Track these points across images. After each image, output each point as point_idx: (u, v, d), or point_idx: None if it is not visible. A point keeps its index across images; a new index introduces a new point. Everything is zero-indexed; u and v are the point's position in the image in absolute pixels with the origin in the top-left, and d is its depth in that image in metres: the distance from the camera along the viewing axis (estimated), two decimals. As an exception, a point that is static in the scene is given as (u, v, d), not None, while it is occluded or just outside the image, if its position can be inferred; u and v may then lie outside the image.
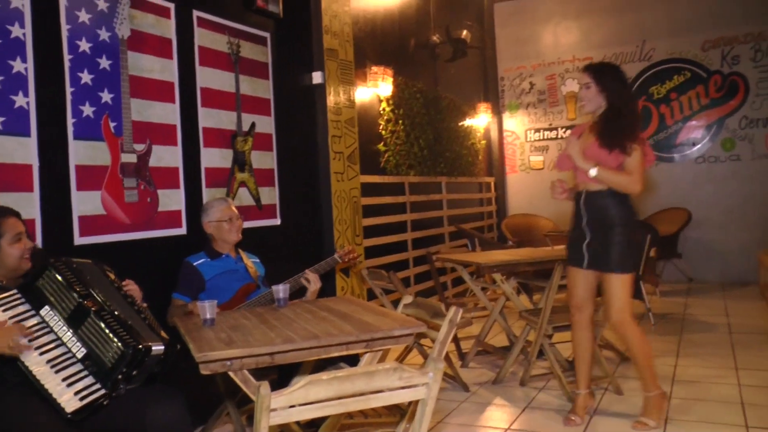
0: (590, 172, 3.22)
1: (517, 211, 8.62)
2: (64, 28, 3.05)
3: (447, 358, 4.20)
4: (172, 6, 3.63)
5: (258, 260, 3.71)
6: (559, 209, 8.27)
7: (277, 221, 4.48)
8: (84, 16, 3.14)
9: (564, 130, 8.48)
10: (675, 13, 7.98)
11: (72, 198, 3.05)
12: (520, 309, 4.30)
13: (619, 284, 3.27)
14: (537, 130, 8.67)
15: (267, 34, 4.44)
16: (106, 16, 3.25)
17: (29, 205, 2.86)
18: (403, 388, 1.83)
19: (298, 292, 3.59)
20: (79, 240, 3.07)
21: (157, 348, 2.31)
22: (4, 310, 2.24)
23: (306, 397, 1.71)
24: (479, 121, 8.15)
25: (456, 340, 4.89)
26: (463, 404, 3.89)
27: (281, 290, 2.91)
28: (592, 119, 3.38)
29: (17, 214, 2.47)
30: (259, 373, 2.66)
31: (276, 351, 2.18)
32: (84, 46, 3.13)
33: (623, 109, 3.23)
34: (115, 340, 2.20)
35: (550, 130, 8.59)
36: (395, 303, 4.35)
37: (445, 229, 7.11)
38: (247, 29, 4.24)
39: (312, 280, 3.53)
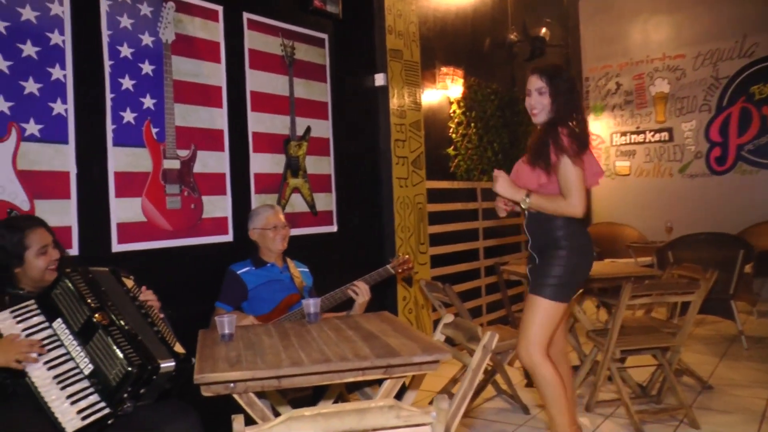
0: (522, 202, 2.85)
1: (601, 219, 8.15)
2: (105, 33, 3.03)
3: (507, 377, 3.94)
4: (220, 9, 3.57)
5: (307, 270, 3.59)
6: (647, 218, 7.77)
7: (334, 228, 4.36)
8: (126, 22, 3.11)
9: (653, 133, 7.94)
10: (782, 5, 7.31)
11: (110, 205, 3.03)
12: (588, 328, 3.98)
13: (535, 310, 2.82)
14: (623, 134, 8.16)
15: (325, 36, 4.32)
16: (149, 21, 3.22)
17: (66, 212, 2.85)
18: (402, 427, 1.64)
19: (346, 303, 3.45)
20: (117, 247, 3.04)
21: (167, 365, 2.22)
22: (19, 321, 2.20)
23: (288, 434, 1.56)
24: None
25: (522, 356, 4.60)
26: (520, 428, 3.63)
27: (312, 305, 2.77)
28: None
29: (45, 224, 2.45)
30: (293, 389, 2.53)
31: (282, 375, 2.04)
32: (125, 51, 3.11)
33: (566, 120, 2.81)
34: (121, 357, 2.12)
35: (638, 133, 8.05)
36: (456, 317, 4.16)
37: (521, 237, 6.79)
38: (302, 31, 4.14)
39: (360, 292, 3.38)
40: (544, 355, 2.80)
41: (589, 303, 5.87)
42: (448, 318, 2.73)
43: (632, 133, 8.09)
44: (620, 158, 8.19)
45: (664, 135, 7.89)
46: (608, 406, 3.82)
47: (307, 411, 1.56)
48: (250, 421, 2.10)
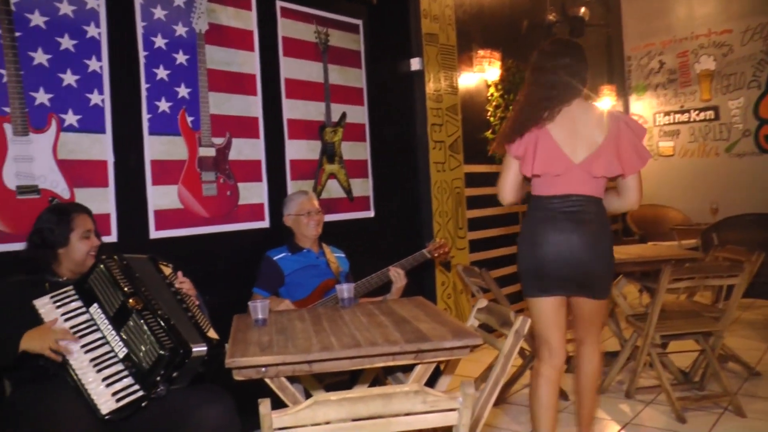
0: None
1: (644, 201, 7.91)
2: (140, 25, 3.08)
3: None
4: (253, -3, 3.59)
5: (343, 255, 3.61)
6: (692, 200, 7.57)
7: (371, 213, 4.36)
8: (159, 13, 3.15)
9: (697, 112, 7.71)
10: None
11: (147, 192, 3.08)
12: (626, 313, 3.91)
13: None
14: (667, 113, 7.94)
15: (359, 22, 4.31)
16: (182, 12, 3.25)
17: (104, 200, 2.91)
18: (428, 412, 1.64)
19: (383, 289, 3.46)
20: (154, 234, 3.10)
21: (199, 349, 2.25)
22: (58, 306, 2.26)
23: (313, 417, 1.57)
24: (602, 104, 7.60)
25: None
26: (559, 414, 3.59)
27: (345, 290, 2.78)
28: None
29: (89, 212, 2.53)
30: (331, 373, 2.55)
31: (312, 359, 2.05)
32: (159, 42, 3.15)
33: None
34: (154, 341, 2.16)
35: (682, 112, 7.82)
36: (493, 302, 4.14)
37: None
38: (336, 17, 4.13)
39: (396, 277, 3.39)
40: (541, 357, 2.75)
41: (632, 287, 5.75)
42: (482, 303, 2.71)
43: (676, 112, 7.87)
44: (663, 138, 7.99)
45: (710, 114, 7.65)
46: (649, 393, 3.75)
47: (332, 395, 1.57)
48: (283, 405, 2.13)
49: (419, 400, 1.61)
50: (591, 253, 2.61)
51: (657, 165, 8.00)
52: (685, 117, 7.80)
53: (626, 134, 2.60)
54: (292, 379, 2.17)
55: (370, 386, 2.76)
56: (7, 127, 2.61)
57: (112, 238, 2.93)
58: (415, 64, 4.70)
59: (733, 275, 3.43)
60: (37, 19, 2.71)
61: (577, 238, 2.60)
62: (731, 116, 7.51)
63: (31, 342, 2.11)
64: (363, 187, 4.30)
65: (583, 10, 6.59)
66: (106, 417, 2.07)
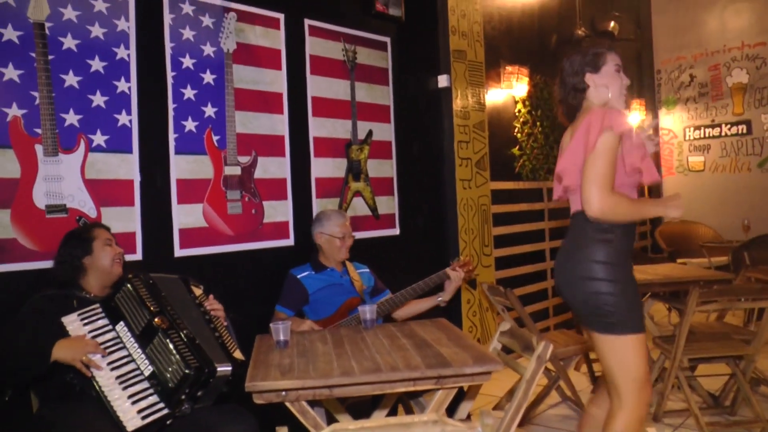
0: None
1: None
2: (168, 46, 3.13)
3: (570, 383, 3.86)
4: (281, 16, 3.62)
5: (367, 270, 3.60)
6: (723, 216, 7.43)
7: (396, 231, 4.36)
8: (188, 33, 3.20)
9: (729, 126, 7.58)
10: None
11: (173, 211, 3.12)
12: (653, 334, 3.85)
13: None
14: (697, 128, 7.82)
15: (387, 39, 4.32)
16: (211, 32, 3.29)
17: (130, 219, 2.95)
18: (446, 442, 1.63)
19: (434, 290, 3.46)
20: (179, 252, 3.13)
21: (223, 369, 2.27)
22: (85, 324, 2.30)
23: (331, 446, 1.57)
24: (632, 119, 7.51)
25: (588, 361, 4.50)
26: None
27: (368, 311, 2.79)
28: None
29: (106, 227, 2.62)
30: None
31: (333, 384, 2.06)
32: (187, 62, 3.19)
33: None
34: (179, 359, 2.19)
35: (713, 127, 7.69)
36: (518, 321, 4.11)
37: (591, 236, 6.61)
38: (364, 35, 4.15)
39: (453, 277, 3.41)
40: None
41: (660, 305, 5.66)
42: (505, 326, 2.69)
43: (707, 126, 7.75)
44: (693, 153, 7.86)
45: (742, 128, 7.52)
46: (677, 416, 3.68)
47: (351, 425, 1.56)
48: (304, 428, 2.13)
49: (438, 430, 1.59)
50: (559, 276, 2.39)
51: (687, 180, 7.88)
52: (716, 131, 7.68)
53: (581, 131, 2.29)
54: (315, 402, 2.18)
55: (392, 407, 2.75)
56: (38, 148, 2.67)
57: (137, 256, 2.97)
58: (442, 81, 4.70)
59: (765, 298, 3.35)
60: (69, 42, 2.77)
61: (557, 258, 2.44)
62: (764, 130, 7.37)
63: (63, 351, 2.16)
64: (389, 204, 4.30)
65: (612, 24, 6.54)
66: None
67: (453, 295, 3.45)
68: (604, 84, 2.40)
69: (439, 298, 3.45)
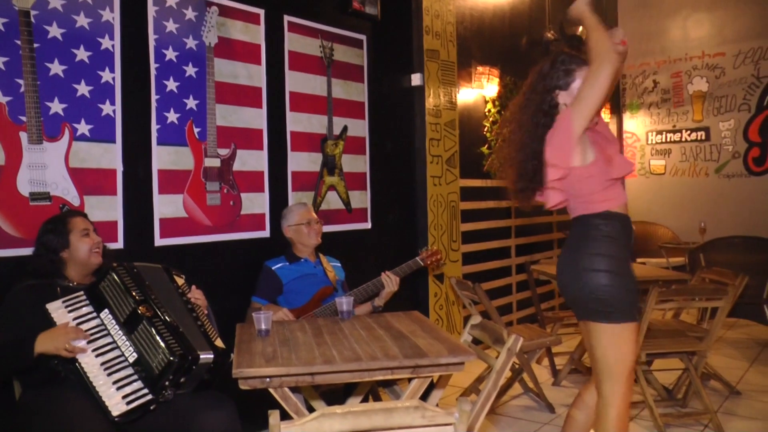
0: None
1: (635, 218, 8.09)
2: (152, 38, 3.17)
3: (533, 375, 4.01)
4: (261, 12, 3.69)
5: (339, 264, 3.71)
6: (681, 218, 7.71)
7: (368, 225, 4.46)
8: (171, 26, 3.25)
9: (689, 132, 7.86)
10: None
11: (154, 201, 3.17)
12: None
13: None
14: (659, 132, 8.08)
15: (363, 37, 4.41)
16: (193, 25, 3.34)
17: (112, 208, 3.00)
18: (426, 426, 1.74)
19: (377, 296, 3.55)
20: (159, 241, 3.18)
21: (206, 356, 2.34)
22: (70, 311, 2.35)
23: (319, 429, 1.66)
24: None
25: (550, 355, 4.68)
26: (544, 427, 3.70)
27: (345, 303, 2.88)
28: None
29: (84, 215, 2.64)
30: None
31: (316, 372, 2.15)
32: (170, 54, 3.24)
33: None
34: (164, 347, 2.25)
35: (674, 132, 7.96)
36: (484, 314, 4.24)
37: (554, 235, 6.82)
38: (341, 32, 4.23)
39: (390, 282, 3.46)
40: None
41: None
42: (476, 319, 2.81)
43: (668, 131, 8.01)
44: (655, 157, 8.13)
45: (701, 134, 7.80)
46: (633, 408, 3.86)
47: (338, 409, 1.66)
48: (283, 414, 2.22)
49: (418, 415, 1.70)
50: (564, 273, 2.53)
51: (648, 182, 8.14)
52: (677, 136, 7.94)
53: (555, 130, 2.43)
54: (293, 389, 2.27)
55: (365, 396, 2.86)
56: (23, 136, 2.70)
57: (119, 244, 3.01)
58: (416, 79, 4.81)
59: (718, 298, 3.54)
60: (54, 31, 2.80)
61: (561, 258, 2.59)
62: (722, 137, 7.66)
63: (45, 344, 2.19)
64: (361, 199, 4.39)
65: (581, 29, 6.71)
66: (117, 419, 2.16)
67: (387, 300, 3.51)
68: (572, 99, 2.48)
69: (375, 303, 3.54)
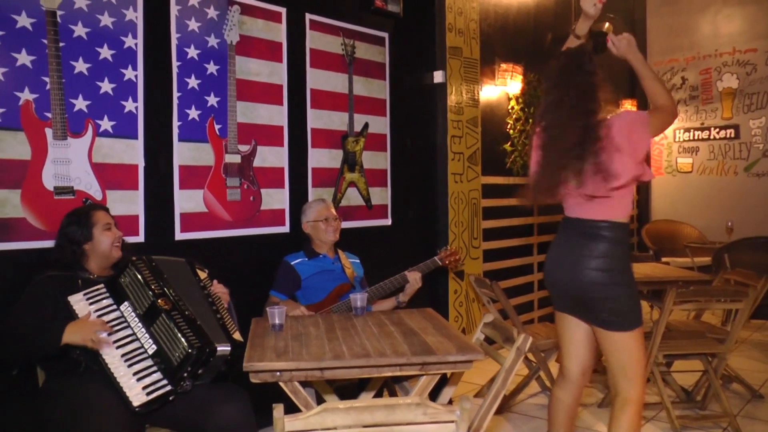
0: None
1: (661, 216, 8.02)
2: (174, 36, 3.23)
3: (550, 374, 4.01)
4: (283, 11, 3.73)
5: (358, 261, 3.74)
6: (708, 217, 7.60)
7: (388, 222, 4.49)
8: (193, 25, 3.30)
9: (718, 130, 7.73)
10: None
11: (174, 196, 3.24)
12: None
13: None
14: (687, 130, 7.97)
15: (385, 34, 4.43)
16: (215, 24, 3.40)
17: (134, 202, 3.07)
18: (428, 423, 1.77)
19: (396, 292, 3.59)
20: (180, 236, 3.25)
21: (223, 349, 2.40)
22: (91, 303, 2.42)
23: (322, 423, 1.70)
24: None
25: (569, 354, 4.65)
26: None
27: (359, 299, 2.92)
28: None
29: (106, 209, 2.72)
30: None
31: (324, 367, 2.19)
32: (192, 52, 3.30)
33: None
34: (182, 339, 2.31)
35: (702, 130, 7.84)
36: (502, 313, 4.25)
37: (578, 232, 6.76)
38: (363, 30, 4.26)
39: (413, 281, 3.51)
40: (557, 376, 2.82)
41: (643, 303, 5.82)
42: (488, 318, 2.83)
43: (696, 129, 7.89)
44: (682, 155, 8.01)
45: (730, 132, 7.67)
46: (650, 409, 3.84)
47: (341, 404, 1.70)
48: (295, 408, 2.26)
49: (420, 412, 1.73)
50: (568, 275, 2.59)
51: (675, 181, 8.04)
52: (705, 134, 7.82)
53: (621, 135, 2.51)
54: (306, 383, 2.31)
55: (378, 391, 2.90)
56: (48, 132, 2.78)
57: (140, 238, 3.09)
58: (438, 76, 4.82)
59: (737, 300, 3.51)
60: (79, 30, 2.88)
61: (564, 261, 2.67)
62: (752, 135, 7.52)
63: (73, 335, 2.27)
64: (382, 195, 4.43)
65: (607, 25, 6.64)
66: (137, 409, 2.23)
67: (411, 296, 3.57)
68: None
69: (399, 299, 3.58)
